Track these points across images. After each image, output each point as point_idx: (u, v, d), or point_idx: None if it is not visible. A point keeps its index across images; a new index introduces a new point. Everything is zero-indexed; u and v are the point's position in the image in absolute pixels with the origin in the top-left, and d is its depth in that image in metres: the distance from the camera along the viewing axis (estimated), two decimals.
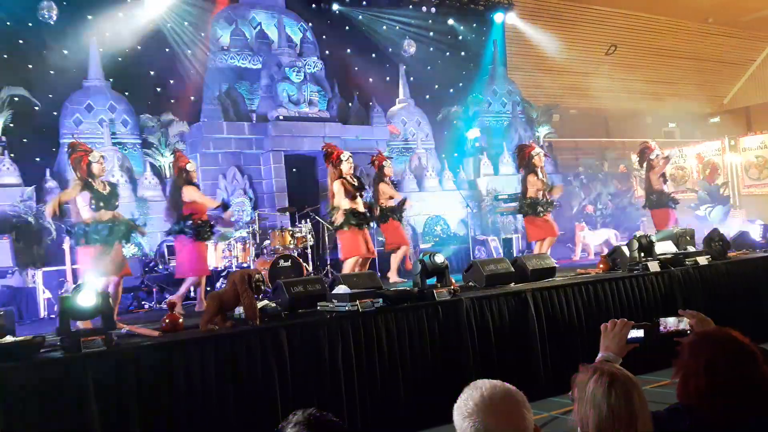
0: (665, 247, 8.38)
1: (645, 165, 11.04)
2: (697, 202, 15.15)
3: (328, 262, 11.03)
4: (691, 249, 8.64)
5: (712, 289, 7.94)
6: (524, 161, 10.14)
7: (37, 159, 11.74)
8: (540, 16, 19.14)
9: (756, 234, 9.83)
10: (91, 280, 6.64)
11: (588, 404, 2.02)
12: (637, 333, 2.69)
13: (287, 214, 12.02)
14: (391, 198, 10.06)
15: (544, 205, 9.85)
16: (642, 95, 22.51)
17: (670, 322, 2.76)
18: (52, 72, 12.18)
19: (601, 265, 8.18)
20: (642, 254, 7.85)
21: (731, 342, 2.26)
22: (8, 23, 11.63)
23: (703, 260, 8.16)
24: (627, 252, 7.97)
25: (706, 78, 24.05)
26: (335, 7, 15.79)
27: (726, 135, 17.14)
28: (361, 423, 5.48)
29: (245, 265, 9.80)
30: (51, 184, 11.19)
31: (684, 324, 2.75)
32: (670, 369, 2.33)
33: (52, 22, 11.67)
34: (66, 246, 9.20)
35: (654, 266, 7.70)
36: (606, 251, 9.60)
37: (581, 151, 18.97)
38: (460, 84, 17.47)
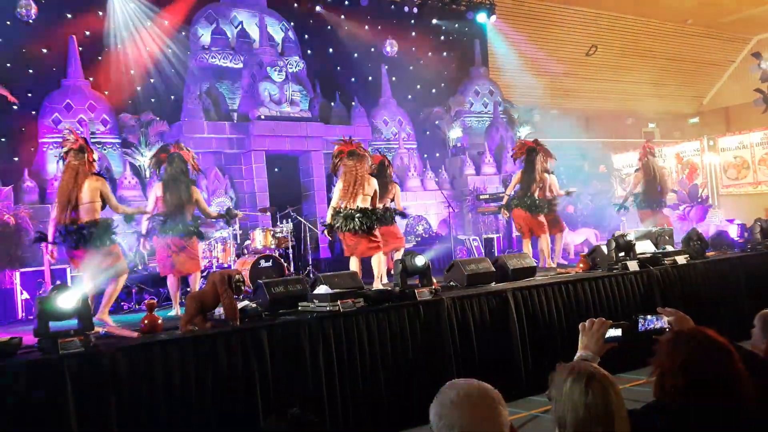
0: (644, 247, 8.45)
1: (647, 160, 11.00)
2: (676, 201, 15.26)
3: (310, 262, 11.01)
4: (669, 248, 8.71)
5: (690, 288, 8.02)
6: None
7: (15, 159, 11.62)
8: (521, 16, 19.21)
9: (734, 233, 9.93)
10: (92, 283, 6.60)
11: (565, 403, 2.02)
12: (615, 332, 2.70)
13: (268, 214, 11.99)
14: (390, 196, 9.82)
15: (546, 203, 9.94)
16: (622, 96, 22.68)
17: (648, 321, 2.78)
18: (30, 71, 12.06)
19: (581, 265, 8.23)
20: (621, 253, 7.91)
21: (707, 341, 2.28)
22: None
23: (681, 259, 8.23)
24: (606, 251, 8.02)
25: (686, 79, 24.27)
26: (317, 7, 15.76)
27: (705, 135, 17.30)
28: (343, 423, 5.47)
29: (226, 265, 9.76)
30: (29, 184, 11.07)
31: (662, 322, 2.77)
32: (649, 367, 2.34)
33: (30, 21, 11.54)
34: (44, 247, 9.10)
35: (633, 265, 7.76)
36: (586, 251, 9.65)
37: (562, 151, 19.05)
38: (442, 84, 17.50)
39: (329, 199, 13.83)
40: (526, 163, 10.12)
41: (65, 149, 7.04)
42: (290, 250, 10.53)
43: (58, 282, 7.39)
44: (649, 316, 2.79)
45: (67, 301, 4.71)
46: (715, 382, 2.17)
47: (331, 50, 15.92)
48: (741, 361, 2.25)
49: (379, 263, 8.40)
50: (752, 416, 2.19)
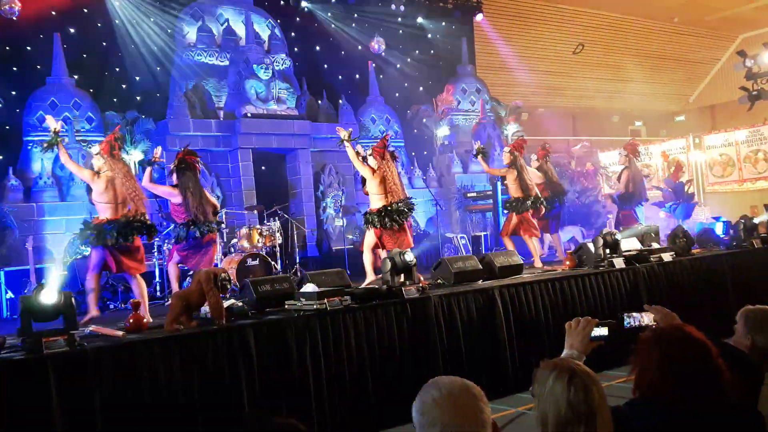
0: (630, 244, 8.49)
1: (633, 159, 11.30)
2: (662, 199, 15.31)
3: (297, 261, 10.98)
4: (655, 245, 8.76)
5: (676, 285, 8.07)
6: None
7: (0, 157, 11.53)
8: (508, 15, 19.24)
9: (719, 231, 9.98)
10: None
11: (548, 400, 2.03)
12: (601, 331, 2.70)
13: (255, 212, 11.94)
14: None
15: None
16: (609, 94, 22.77)
17: (634, 318, 2.79)
18: (15, 68, 11.96)
19: (568, 262, 8.25)
20: (607, 251, 7.94)
21: (684, 337, 2.29)
22: None
23: (667, 256, 8.28)
24: (593, 249, 8.05)
25: (672, 77, 24.37)
26: (304, 3, 15.71)
27: (691, 133, 17.38)
28: (330, 421, 5.46)
29: (212, 263, 9.69)
30: (14, 182, 11.00)
31: (648, 319, 2.77)
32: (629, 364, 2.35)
33: (14, 18, 11.44)
34: (29, 246, 9.05)
35: (619, 263, 7.80)
36: (572, 248, 9.68)
37: (548, 149, 19.08)
38: (430, 82, 17.49)
39: (317, 198, 13.87)
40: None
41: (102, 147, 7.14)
42: (277, 249, 10.49)
43: (43, 281, 7.33)
44: (635, 314, 2.80)
45: (51, 299, 4.67)
46: (691, 377, 2.18)
47: (318, 48, 15.88)
48: (719, 356, 2.26)
49: None
50: (734, 410, 2.20)
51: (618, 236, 8.20)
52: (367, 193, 8.65)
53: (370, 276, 8.34)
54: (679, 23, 22.04)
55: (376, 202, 8.40)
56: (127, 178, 7.02)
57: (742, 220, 9.63)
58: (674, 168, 16.42)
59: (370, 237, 8.43)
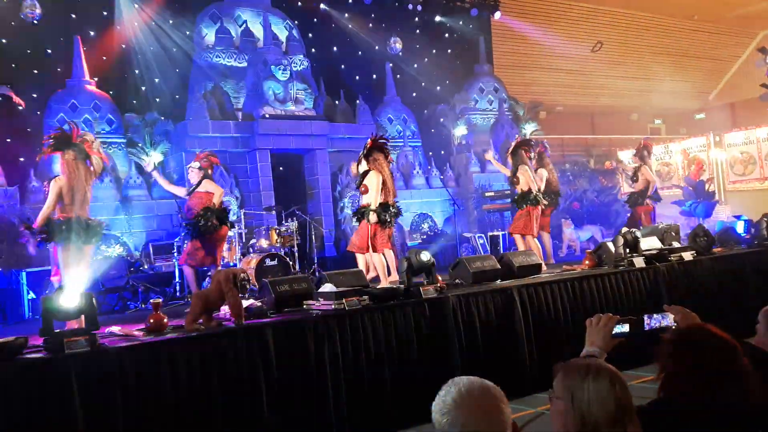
0: (650, 243, 8.42)
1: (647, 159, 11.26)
2: (682, 197, 15.21)
3: (315, 261, 11.01)
4: (676, 245, 8.68)
5: (696, 285, 7.98)
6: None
7: (21, 159, 11.63)
8: (526, 13, 19.17)
9: (741, 229, 9.89)
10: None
11: (592, 402, 1.95)
12: (623, 328, 2.69)
13: (274, 212, 11.97)
14: None
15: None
16: (628, 92, 22.63)
17: (654, 318, 2.76)
18: (35, 71, 12.07)
19: (587, 261, 8.21)
20: (627, 250, 7.88)
21: (714, 338, 2.26)
22: None
23: (688, 256, 8.20)
24: (612, 248, 7.99)
25: (692, 74, 24.17)
26: (321, 5, 15.74)
27: (711, 131, 17.22)
28: (348, 421, 5.47)
29: (231, 264, 9.75)
30: (35, 184, 11.10)
31: (669, 320, 2.75)
32: (653, 365, 2.33)
33: (35, 21, 11.55)
34: (51, 247, 9.11)
35: (639, 262, 7.74)
36: (592, 247, 9.62)
37: (567, 148, 19.03)
38: (447, 81, 17.45)
39: (334, 198, 13.89)
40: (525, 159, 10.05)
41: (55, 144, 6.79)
42: (295, 249, 10.52)
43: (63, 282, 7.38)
44: (655, 315, 2.78)
45: (71, 300, 4.71)
46: (723, 379, 2.16)
47: (335, 48, 15.90)
48: (745, 356, 2.23)
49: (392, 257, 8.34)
50: (758, 412, 2.17)
51: (638, 234, 8.14)
52: (362, 192, 8.37)
53: (384, 276, 8.18)
54: (698, 20, 21.87)
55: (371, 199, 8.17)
56: (85, 182, 6.58)
57: (765, 218, 9.52)
58: (694, 166, 16.30)
59: (364, 234, 8.14)
